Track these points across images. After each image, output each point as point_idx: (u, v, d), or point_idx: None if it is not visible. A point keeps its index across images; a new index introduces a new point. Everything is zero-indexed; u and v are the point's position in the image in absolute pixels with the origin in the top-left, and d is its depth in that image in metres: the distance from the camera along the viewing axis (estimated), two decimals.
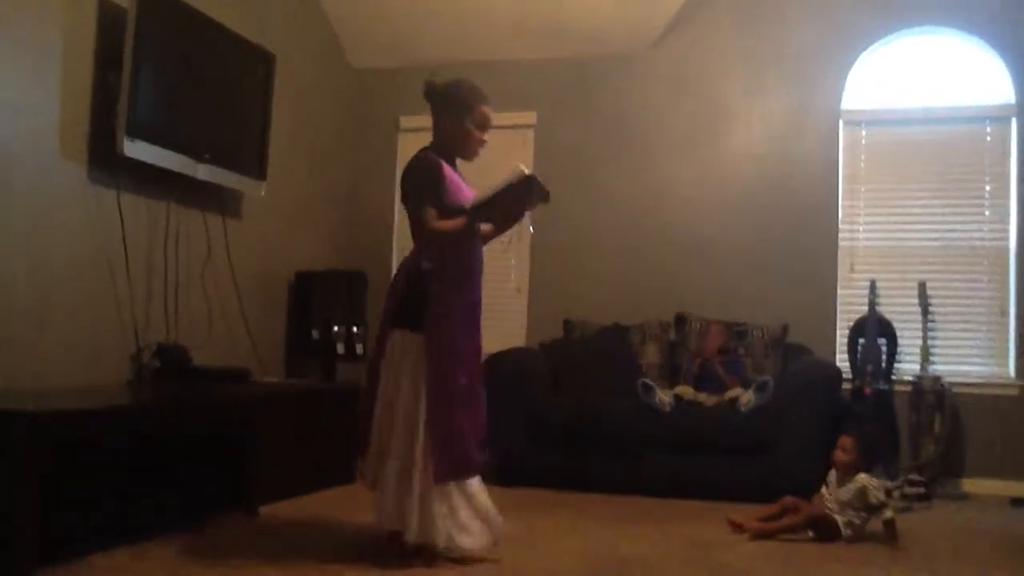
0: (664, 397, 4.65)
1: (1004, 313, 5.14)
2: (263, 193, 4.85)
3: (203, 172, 4.30)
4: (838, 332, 5.32)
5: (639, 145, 5.76)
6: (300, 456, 4.25)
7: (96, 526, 3.21)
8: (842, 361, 5.15)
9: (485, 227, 3.18)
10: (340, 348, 5.13)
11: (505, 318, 5.82)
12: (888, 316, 5.14)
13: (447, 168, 3.14)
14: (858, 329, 5.15)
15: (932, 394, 4.94)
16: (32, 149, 3.61)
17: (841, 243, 5.40)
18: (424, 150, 3.19)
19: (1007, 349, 5.13)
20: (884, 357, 5.06)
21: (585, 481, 4.61)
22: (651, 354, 5.24)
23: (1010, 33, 5.18)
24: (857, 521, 3.63)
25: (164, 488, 3.64)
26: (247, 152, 4.72)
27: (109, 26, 3.88)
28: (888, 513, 3.61)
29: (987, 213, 5.23)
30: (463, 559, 3.03)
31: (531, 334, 5.74)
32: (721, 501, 4.26)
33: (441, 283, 3.07)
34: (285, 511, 3.93)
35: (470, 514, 3.06)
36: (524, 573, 3.01)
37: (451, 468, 2.99)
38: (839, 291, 5.37)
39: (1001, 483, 4.94)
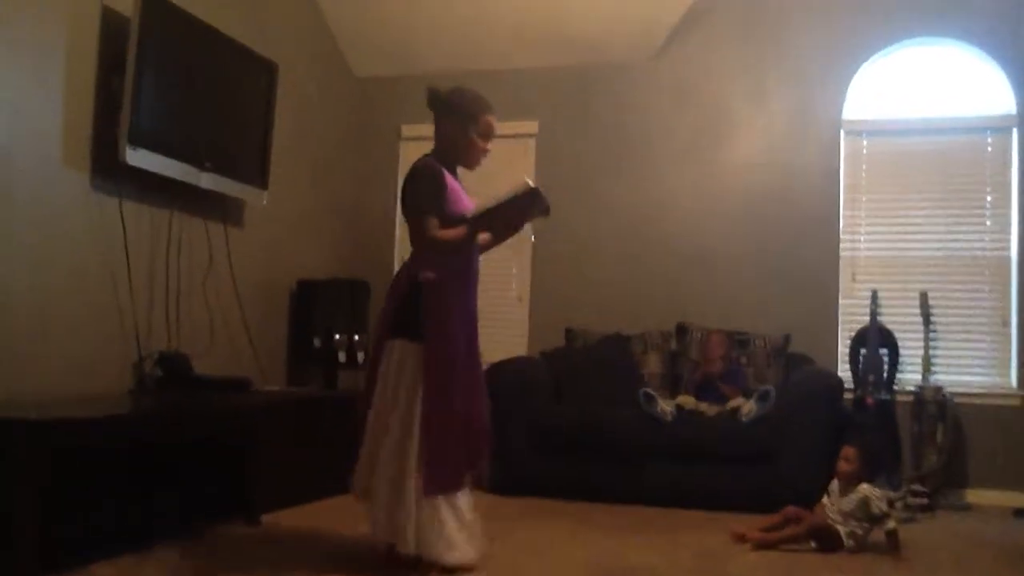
0: (666, 407, 4.65)
1: (1006, 323, 5.14)
2: (265, 202, 4.86)
3: (205, 181, 4.30)
4: (840, 342, 5.32)
5: (641, 154, 5.77)
6: (302, 464, 4.24)
7: (98, 535, 3.21)
8: (844, 371, 5.15)
9: (483, 236, 3.17)
10: (342, 356, 5.13)
11: (507, 327, 5.82)
12: (890, 326, 5.14)
13: (448, 177, 3.13)
14: (860, 339, 5.15)
15: (934, 404, 4.93)
16: (35, 157, 3.61)
17: (843, 253, 5.40)
18: (426, 157, 3.17)
19: (1009, 359, 5.12)
20: (886, 367, 5.06)
21: (586, 490, 4.61)
22: (653, 363, 5.24)
23: (1011, 44, 5.20)
24: (859, 531, 3.62)
25: (166, 497, 3.64)
26: (249, 161, 4.73)
27: (112, 35, 3.89)
28: (890, 523, 3.60)
29: (988, 223, 5.24)
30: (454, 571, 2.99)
31: (532, 343, 5.74)
32: (723, 511, 4.25)
33: (440, 292, 3.05)
34: (287, 520, 3.92)
35: (457, 527, 3.00)
36: None
37: (441, 481, 2.95)
38: (841, 301, 5.37)
39: (1004, 494, 4.93)
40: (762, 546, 3.61)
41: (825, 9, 5.50)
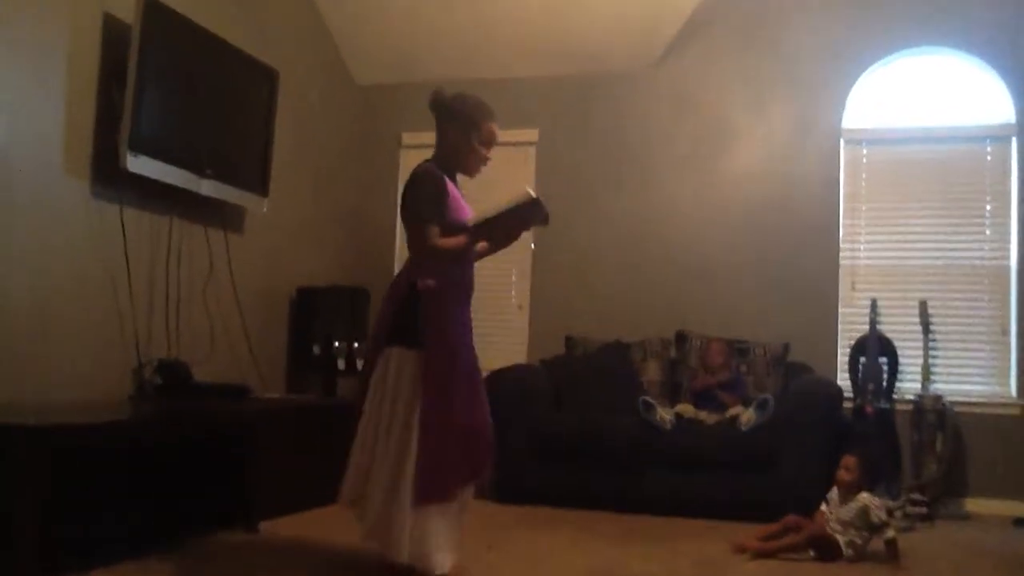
0: (665, 415, 4.65)
1: (1005, 332, 5.14)
2: (266, 209, 4.87)
3: (206, 188, 4.31)
4: (839, 350, 5.32)
5: (640, 163, 5.78)
6: (301, 472, 4.23)
7: (97, 541, 3.21)
8: (843, 380, 5.15)
9: (481, 245, 3.15)
10: (341, 364, 5.12)
11: (507, 335, 5.81)
12: (889, 335, 5.14)
13: (449, 184, 3.11)
14: (859, 348, 5.15)
15: (933, 413, 4.92)
16: (35, 164, 3.62)
17: (842, 261, 5.40)
18: (426, 163, 3.14)
19: (1008, 368, 5.12)
20: (885, 376, 5.05)
21: (586, 498, 4.60)
22: (652, 371, 5.24)
23: (1010, 54, 5.21)
24: (859, 541, 3.62)
25: (164, 503, 3.63)
26: (250, 168, 4.74)
27: (113, 42, 3.90)
28: (890, 533, 3.60)
29: (988, 232, 5.24)
30: None
31: (532, 351, 5.73)
32: (722, 519, 4.25)
33: (440, 300, 3.03)
34: (285, 527, 3.91)
35: (444, 538, 2.98)
36: None
37: (435, 490, 2.92)
38: (840, 309, 5.37)
39: (1003, 503, 4.92)
40: (761, 555, 3.60)
41: (825, 18, 5.52)
